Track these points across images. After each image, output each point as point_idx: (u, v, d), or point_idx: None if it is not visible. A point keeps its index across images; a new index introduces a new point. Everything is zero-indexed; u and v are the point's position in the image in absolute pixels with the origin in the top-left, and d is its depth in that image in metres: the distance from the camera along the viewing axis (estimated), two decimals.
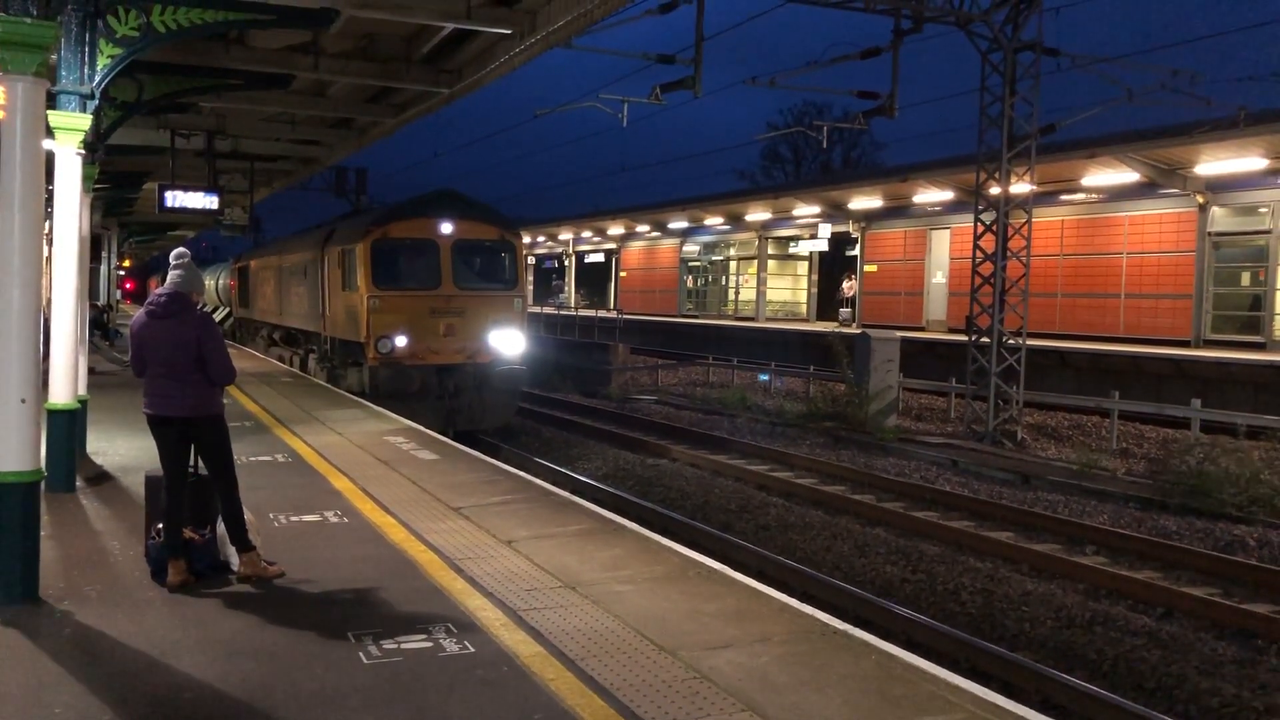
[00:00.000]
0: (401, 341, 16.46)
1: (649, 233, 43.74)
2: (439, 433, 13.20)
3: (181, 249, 6.51)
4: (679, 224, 40.56)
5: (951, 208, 27.69)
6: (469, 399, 16.91)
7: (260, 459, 10.47)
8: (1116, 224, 23.85)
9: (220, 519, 6.40)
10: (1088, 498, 13.31)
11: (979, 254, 18.35)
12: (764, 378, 22.91)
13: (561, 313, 40.79)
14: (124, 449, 10.86)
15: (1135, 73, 18.75)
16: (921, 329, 28.42)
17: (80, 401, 9.54)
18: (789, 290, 39.87)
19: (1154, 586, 9.35)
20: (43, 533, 6.20)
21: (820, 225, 32.82)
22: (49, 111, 7.29)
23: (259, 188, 26.98)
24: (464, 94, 16.52)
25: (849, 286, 33.47)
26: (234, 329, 32.97)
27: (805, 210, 33.18)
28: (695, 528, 11.67)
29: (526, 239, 39.42)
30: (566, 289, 52.01)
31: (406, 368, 16.38)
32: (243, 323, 31.73)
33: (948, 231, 28.42)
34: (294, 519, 7.88)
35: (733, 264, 40.27)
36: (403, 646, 5.15)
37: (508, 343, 17.14)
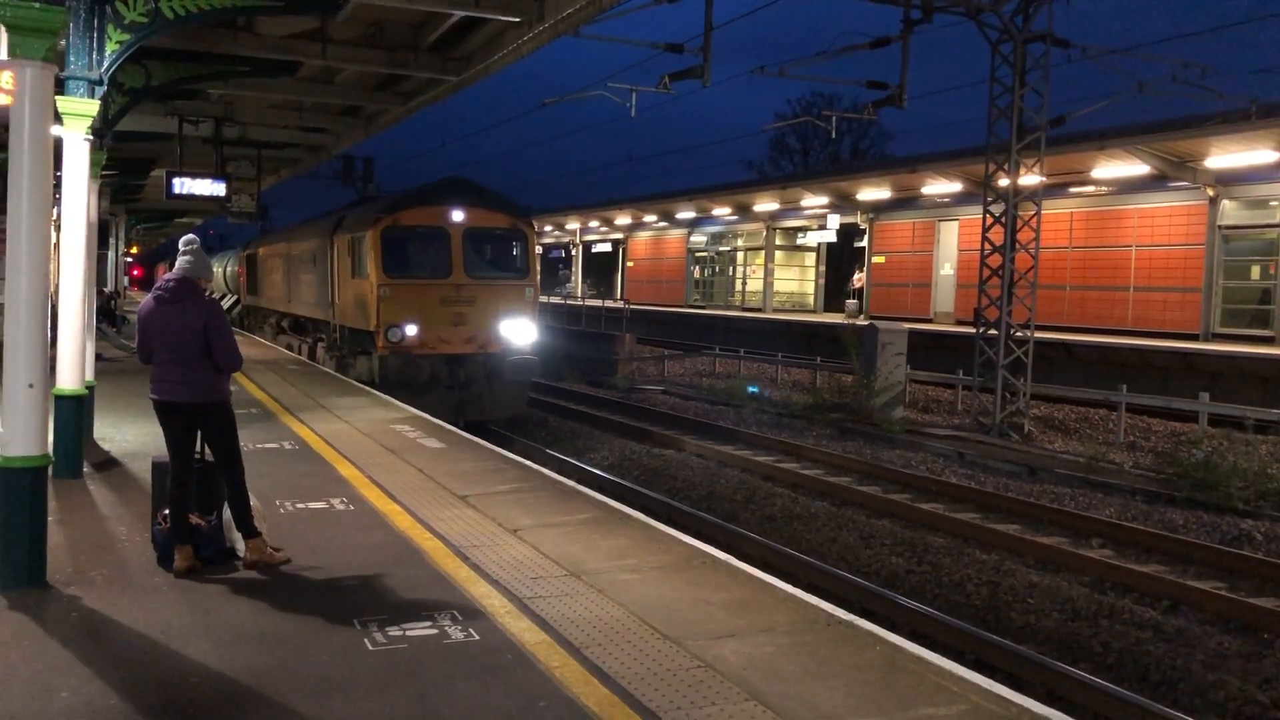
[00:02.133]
0: (411, 331, 16.32)
1: (656, 223, 43.68)
2: (449, 423, 13.13)
3: (191, 235, 6.50)
4: (686, 214, 40.50)
5: (960, 199, 27.60)
6: (479, 389, 16.80)
7: (267, 446, 10.49)
8: (1126, 216, 23.76)
9: (227, 505, 6.41)
10: (1094, 491, 13.28)
11: (987, 246, 18.29)
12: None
13: (568, 302, 40.77)
14: (131, 435, 10.88)
15: (1146, 64, 18.71)
16: (929, 321, 28.37)
17: (88, 387, 9.56)
18: (796, 281, 39.81)
19: (1160, 580, 9.33)
20: (50, 518, 6.21)
21: (828, 216, 32.75)
22: (57, 97, 7.30)
23: (266, 175, 27.00)
24: (472, 82, 16.47)
25: (859, 278, 33.42)
26: (242, 316, 33.00)
27: (813, 201, 33.10)
28: (701, 518, 11.67)
29: None
30: (573, 279, 52.00)
31: (416, 357, 16.26)
32: (251, 310, 31.75)
33: (956, 223, 28.34)
34: (300, 506, 7.89)
35: (740, 254, 40.20)
36: (408, 633, 5.16)
37: (519, 332, 16.99)
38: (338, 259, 18.61)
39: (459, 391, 16.66)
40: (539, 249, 53.54)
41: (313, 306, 21.29)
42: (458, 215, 16.81)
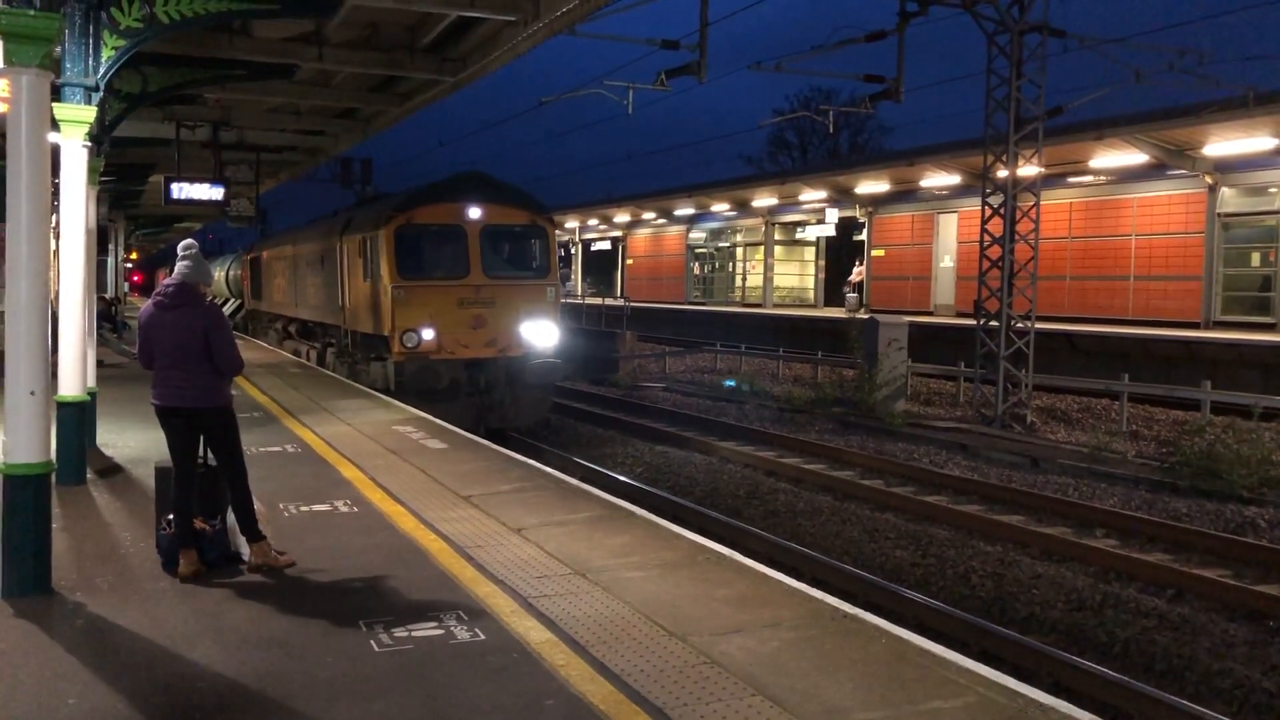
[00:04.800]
0: (428, 334, 15.58)
1: (655, 220, 43.66)
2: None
3: (189, 240, 6.50)
4: (685, 211, 40.47)
5: (959, 191, 27.58)
6: (501, 395, 16.11)
7: (270, 449, 10.49)
8: (1125, 206, 23.74)
9: (230, 509, 6.41)
10: (1098, 480, 13.28)
11: (987, 237, 18.28)
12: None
13: (568, 301, 40.74)
14: (133, 441, 10.89)
15: (1143, 53, 18.65)
16: (929, 313, 28.36)
17: (89, 394, 9.56)
18: (796, 276, 39.80)
19: (1164, 569, 9.33)
20: (54, 525, 6.21)
21: (827, 210, 32.72)
22: (54, 104, 7.30)
23: (264, 179, 26.98)
24: (468, 82, 16.44)
25: (859, 272, 33.41)
26: (245, 321, 32.81)
27: (812, 195, 33.08)
28: (704, 514, 11.67)
29: None
30: (573, 277, 52.00)
31: (434, 362, 15.55)
32: (255, 315, 31.51)
33: (955, 215, 28.32)
34: (304, 509, 7.90)
35: (739, 250, 40.18)
36: (413, 634, 5.16)
37: (541, 334, 16.24)
38: (348, 260, 17.91)
39: (480, 398, 15.97)
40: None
41: (321, 310, 20.69)
42: (474, 212, 16.01)
